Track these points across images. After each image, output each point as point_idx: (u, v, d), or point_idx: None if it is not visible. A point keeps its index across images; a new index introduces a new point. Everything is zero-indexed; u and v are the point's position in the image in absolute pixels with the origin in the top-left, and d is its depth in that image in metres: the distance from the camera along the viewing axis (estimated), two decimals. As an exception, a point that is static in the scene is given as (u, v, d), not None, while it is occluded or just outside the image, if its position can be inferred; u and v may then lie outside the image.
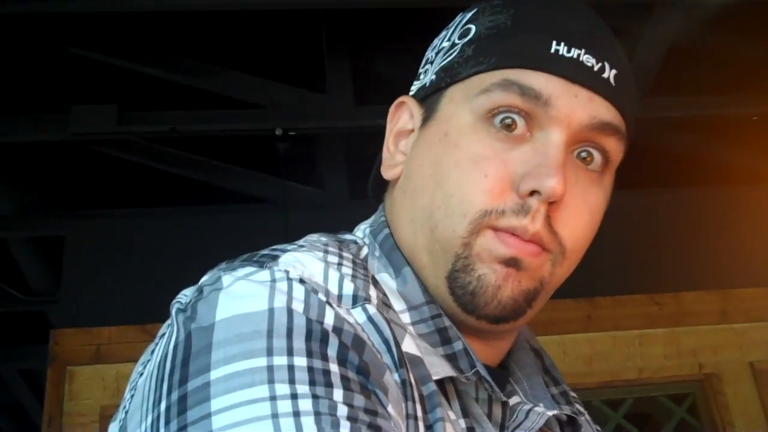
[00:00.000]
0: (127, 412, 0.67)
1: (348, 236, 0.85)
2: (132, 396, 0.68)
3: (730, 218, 3.32)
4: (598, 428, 0.98)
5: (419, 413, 0.68)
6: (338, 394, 0.60)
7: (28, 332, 4.16)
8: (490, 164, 0.75)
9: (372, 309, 0.70)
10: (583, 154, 0.78)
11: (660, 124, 3.25)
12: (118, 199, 3.23)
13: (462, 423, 0.73)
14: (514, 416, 0.80)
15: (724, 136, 3.38)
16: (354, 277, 0.73)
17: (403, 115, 0.87)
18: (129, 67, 2.87)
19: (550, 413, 0.80)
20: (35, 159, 3.19)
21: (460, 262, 0.76)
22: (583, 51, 0.78)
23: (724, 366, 2.96)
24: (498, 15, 0.81)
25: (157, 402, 0.62)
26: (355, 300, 0.70)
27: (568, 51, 0.77)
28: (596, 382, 2.89)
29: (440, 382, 0.73)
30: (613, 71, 0.79)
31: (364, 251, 0.82)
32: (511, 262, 0.75)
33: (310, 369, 0.61)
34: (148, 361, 0.69)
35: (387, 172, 0.86)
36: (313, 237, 0.80)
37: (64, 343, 2.91)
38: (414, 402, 0.67)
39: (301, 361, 0.61)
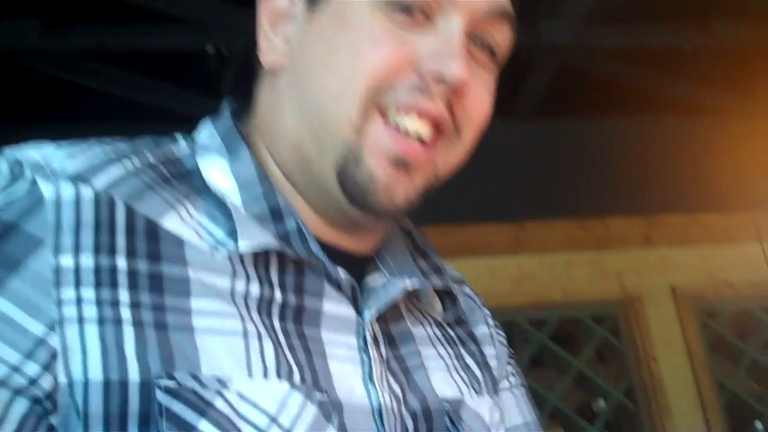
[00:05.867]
0: None
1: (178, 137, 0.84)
2: None
3: (657, 146, 3.37)
4: (482, 299, 0.99)
5: (123, 297, 0.65)
6: None
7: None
8: (388, 44, 0.73)
9: (86, 190, 0.68)
10: (479, 44, 0.78)
11: (595, 53, 3.26)
12: (44, 115, 3.15)
13: (277, 295, 0.72)
14: (373, 290, 0.80)
15: (658, 67, 3.41)
16: (101, 157, 0.72)
17: None
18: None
19: (410, 282, 0.80)
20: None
21: (350, 153, 0.74)
22: None
23: (646, 289, 3.05)
24: None
25: None
26: (77, 177, 0.69)
27: None
28: (522, 303, 2.95)
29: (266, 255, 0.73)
30: None
31: (178, 146, 0.81)
32: (401, 164, 0.74)
33: None
34: None
35: (267, 58, 0.82)
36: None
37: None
38: (115, 287, 0.65)
39: None
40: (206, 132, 0.83)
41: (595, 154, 3.31)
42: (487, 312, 0.99)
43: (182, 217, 0.72)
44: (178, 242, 0.70)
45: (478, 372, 0.89)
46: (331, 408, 0.69)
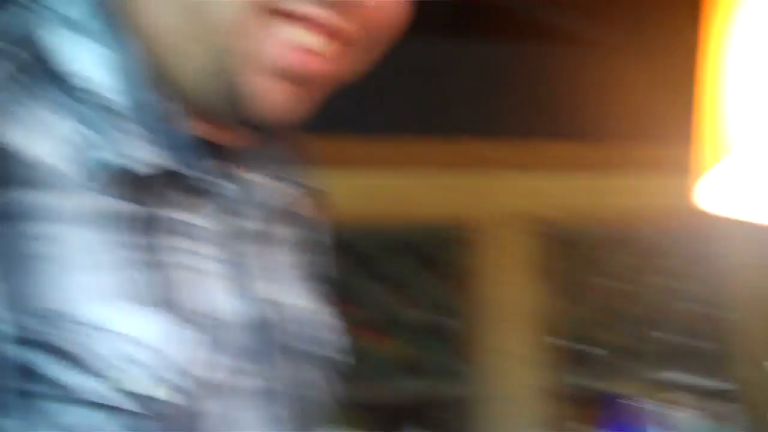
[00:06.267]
0: None
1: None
2: None
3: (530, 72, 3.35)
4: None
5: None
6: None
7: None
8: None
9: None
10: None
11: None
12: None
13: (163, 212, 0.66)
14: (241, 191, 0.73)
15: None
16: None
17: None
18: None
19: (279, 185, 0.77)
20: None
21: (230, 61, 0.64)
22: None
23: (498, 213, 3.06)
24: None
25: None
26: None
27: None
28: (376, 219, 2.95)
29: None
30: None
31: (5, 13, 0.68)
32: (291, 76, 0.65)
33: None
34: None
35: None
36: None
37: None
38: None
39: None
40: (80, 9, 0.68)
41: (473, 75, 3.28)
42: (327, 228, 0.96)
43: (34, 128, 0.61)
44: (30, 163, 0.60)
45: (314, 280, 0.86)
46: (210, 328, 0.65)
